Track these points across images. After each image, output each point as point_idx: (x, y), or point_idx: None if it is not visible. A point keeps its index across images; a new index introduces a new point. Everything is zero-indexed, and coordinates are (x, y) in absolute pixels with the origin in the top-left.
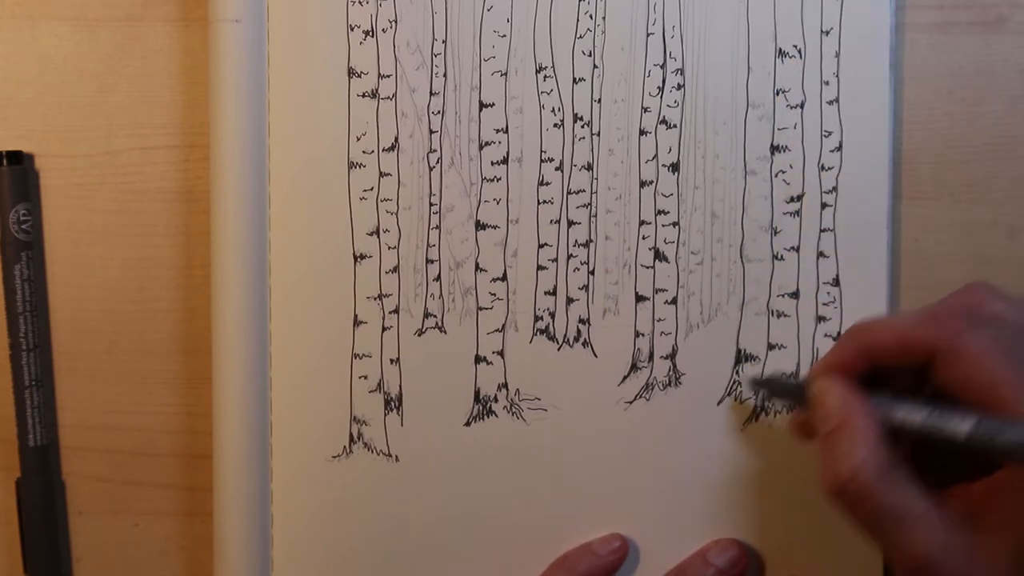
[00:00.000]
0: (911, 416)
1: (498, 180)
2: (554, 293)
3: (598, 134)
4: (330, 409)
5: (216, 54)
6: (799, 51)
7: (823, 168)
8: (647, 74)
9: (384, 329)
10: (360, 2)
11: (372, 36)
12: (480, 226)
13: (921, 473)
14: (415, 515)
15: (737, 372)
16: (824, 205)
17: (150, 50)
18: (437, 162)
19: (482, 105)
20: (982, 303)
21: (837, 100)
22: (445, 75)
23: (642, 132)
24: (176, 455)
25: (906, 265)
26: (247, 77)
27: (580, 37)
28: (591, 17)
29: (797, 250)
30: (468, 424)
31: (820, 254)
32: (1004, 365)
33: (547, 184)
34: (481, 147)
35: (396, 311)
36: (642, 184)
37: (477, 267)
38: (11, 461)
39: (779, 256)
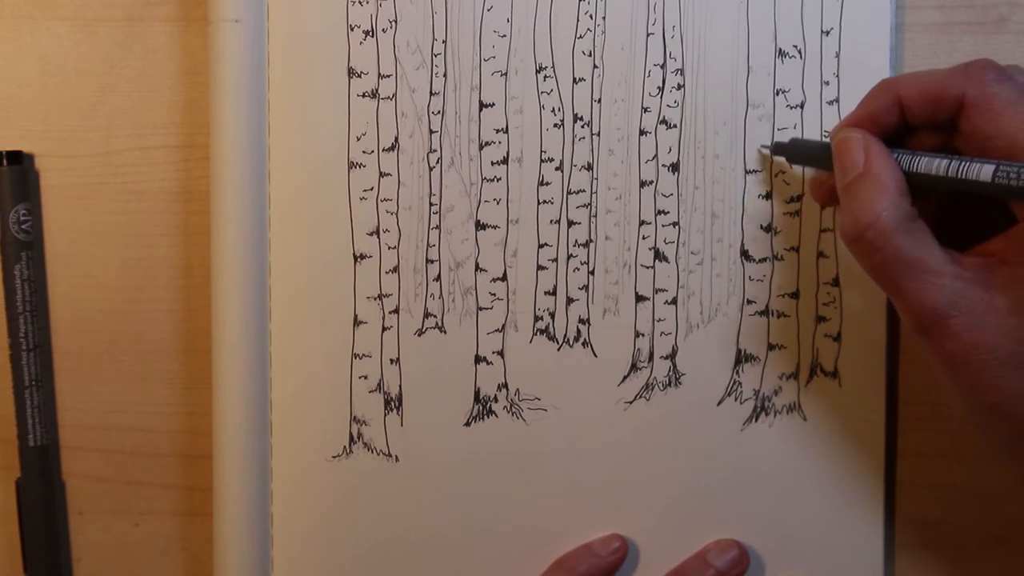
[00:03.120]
0: (934, 165)
1: (498, 180)
2: (554, 293)
3: (598, 134)
4: (330, 409)
5: (216, 54)
6: (799, 51)
7: None
8: (647, 74)
9: (384, 329)
10: (360, 2)
11: (372, 36)
12: (480, 226)
13: (940, 235)
14: (415, 515)
15: (737, 372)
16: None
17: (150, 50)
18: (437, 162)
19: (482, 105)
20: (1007, 67)
21: (837, 100)
22: (445, 75)
23: (642, 132)
24: (176, 455)
25: None
26: (247, 77)
27: (580, 37)
28: (591, 17)
29: (797, 250)
30: (468, 424)
31: (820, 254)
32: None
33: (547, 184)
34: (481, 147)
35: (396, 311)
36: (642, 184)
37: (477, 267)
38: (11, 461)
39: (779, 256)
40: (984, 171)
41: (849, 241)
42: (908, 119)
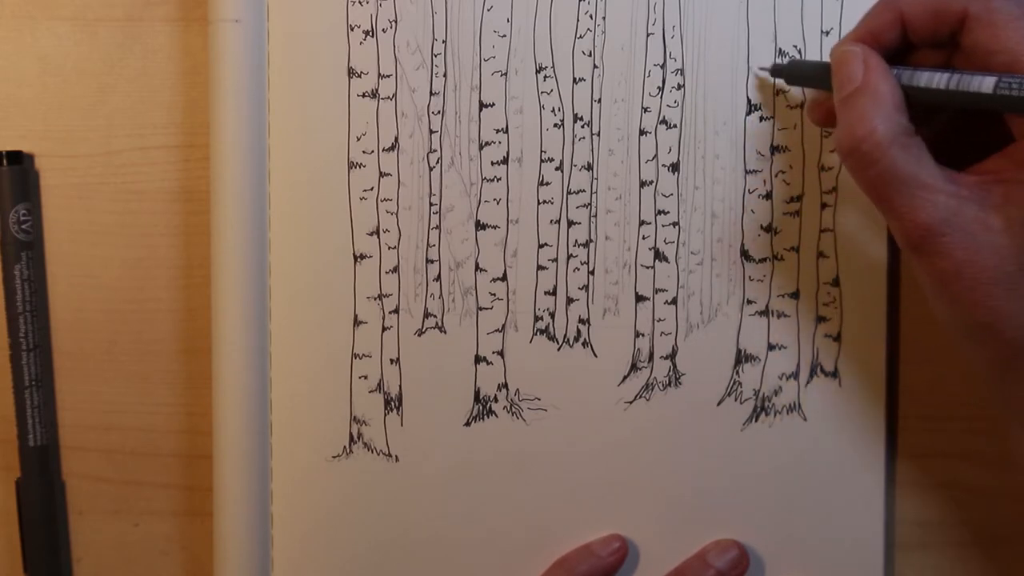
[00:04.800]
0: (935, 79)
1: (498, 180)
2: (554, 293)
3: (598, 134)
4: (330, 409)
5: (216, 54)
6: (799, 51)
7: (823, 168)
8: (647, 74)
9: (384, 329)
10: (360, 2)
11: (372, 36)
12: (480, 226)
13: (938, 157)
14: (415, 515)
15: (737, 372)
16: (824, 205)
17: (150, 50)
18: (437, 162)
19: (482, 105)
20: None
21: None
22: (445, 75)
23: (642, 132)
24: (176, 455)
25: (906, 264)
26: (247, 77)
27: (580, 37)
28: (591, 17)
29: (797, 250)
30: (468, 424)
31: (820, 254)
32: None
33: (547, 184)
34: (481, 147)
35: (396, 311)
36: (642, 184)
37: (477, 267)
38: (11, 461)
39: (779, 256)
40: (986, 83)
41: (844, 154)
42: (910, 36)
